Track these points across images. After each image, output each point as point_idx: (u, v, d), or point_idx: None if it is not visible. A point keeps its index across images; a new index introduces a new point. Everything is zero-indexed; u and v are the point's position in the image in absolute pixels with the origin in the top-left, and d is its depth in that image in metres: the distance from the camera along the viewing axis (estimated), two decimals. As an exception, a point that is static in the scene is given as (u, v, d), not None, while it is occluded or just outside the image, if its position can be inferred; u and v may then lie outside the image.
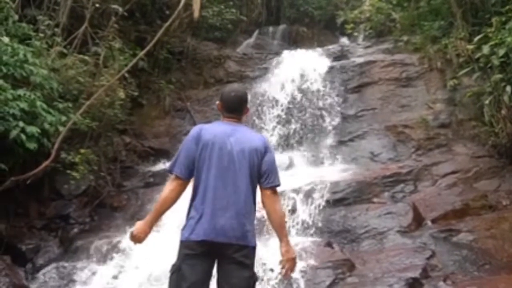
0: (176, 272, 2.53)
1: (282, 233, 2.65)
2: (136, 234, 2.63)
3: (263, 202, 2.67)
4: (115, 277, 4.99)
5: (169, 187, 2.63)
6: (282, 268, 2.62)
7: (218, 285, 2.54)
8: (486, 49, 5.99)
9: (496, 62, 5.86)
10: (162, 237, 5.26)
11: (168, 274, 2.59)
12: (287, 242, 2.63)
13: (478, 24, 6.92)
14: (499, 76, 5.88)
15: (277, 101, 7.81)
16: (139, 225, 2.65)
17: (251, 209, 2.61)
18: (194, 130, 2.71)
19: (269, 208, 2.63)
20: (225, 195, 2.54)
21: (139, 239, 2.64)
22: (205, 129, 2.68)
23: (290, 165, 6.65)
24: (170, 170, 2.67)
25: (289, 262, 2.61)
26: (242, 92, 2.80)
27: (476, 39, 6.34)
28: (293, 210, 5.57)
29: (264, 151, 2.66)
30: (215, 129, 2.67)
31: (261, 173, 2.66)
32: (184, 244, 2.55)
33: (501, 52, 5.78)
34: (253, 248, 2.59)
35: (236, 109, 2.73)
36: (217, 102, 2.81)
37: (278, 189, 2.70)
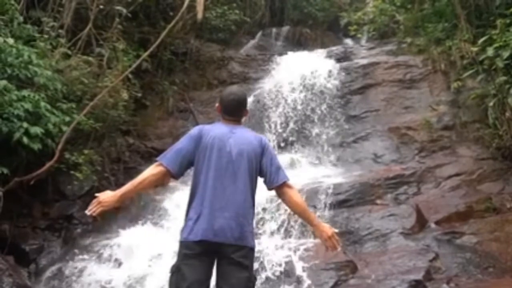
0: (176, 272, 2.53)
1: (308, 220, 2.68)
2: (102, 200, 2.50)
3: (282, 200, 2.71)
4: (117, 277, 4.99)
5: (151, 171, 2.61)
6: (327, 249, 2.66)
7: (217, 286, 2.55)
8: (490, 51, 5.98)
9: (500, 64, 5.85)
10: (164, 238, 5.28)
11: (169, 275, 2.59)
12: (317, 225, 2.65)
13: (482, 26, 6.90)
14: (504, 78, 5.87)
15: (280, 102, 7.81)
16: (107, 194, 2.54)
17: (250, 210, 2.62)
18: (195, 131, 2.72)
19: (287, 203, 2.69)
20: (224, 196, 2.54)
21: (102, 206, 2.51)
22: (205, 130, 2.69)
23: (292, 166, 6.65)
24: (157, 160, 2.65)
25: (328, 241, 2.62)
26: (240, 95, 2.79)
27: (480, 41, 6.33)
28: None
29: (262, 151, 2.67)
30: (215, 131, 2.68)
31: (263, 174, 2.68)
32: (183, 245, 2.56)
33: (506, 54, 5.77)
34: (251, 249, 2.59)
35: (235, 112, 2.75)
36: (216, 105, 2.82)
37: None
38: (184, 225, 2.60)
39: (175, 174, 2.63)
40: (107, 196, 2.54)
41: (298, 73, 8.11)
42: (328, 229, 2.64)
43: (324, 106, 7.67)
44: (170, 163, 2.61)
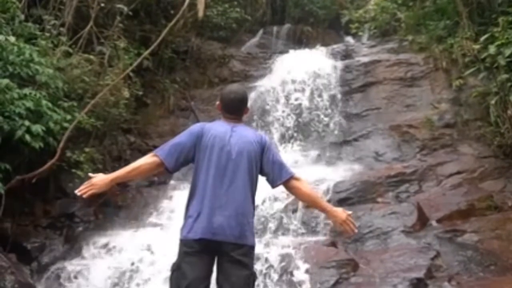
0: (176, 270, 2.54)
1: (321, 208, 2.71)
2: (94, 182, 2.55)
3: (292, 194, 2.74)
4: (119, 275, 5.00)
5: (146, 160, 2.63)
6: (344, 233, 2.71)
7: (218, 283, 2.55)
8: (492, 49, 5.96)
9: (502, 62, 5.83)
10: (165, 237, 5.29)
11: (169, 273, 2.60)
12: (331, 211, 2.66)
13: (485, 23, 6.88)
14: (505, 76, 5.85)
15: (281, 100, 7.80)
16: (100, 177, 2.58)
17: (249, 209, 2.62)
18: (196, 128, 2.72)
19: (297, 196, 2.73)
20: (224, 194, 2.54)
21: (93, 188, 2.55)
22: (206, 128, 2.69)
23: (293, 165, 6.64)
24: (154, 151, 2.66)
25: (344, 225, 2.63)
26: (241, 93, 2.79)
27: (482, 38, 6.31)
28: (296, 210, 5.57)
29: (262, 150, 2.67)
30: (216, 129, 2.68)
31: (265, 173, 2.67)
32: (183, 243, 2.56)
33: (508, 52, 5.75)
34: (251, 247, 2.59)
35: (235, 110, 2.75)
36: (217, 103, 2.81)
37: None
38: (184, 223, 2.60)
39: (170, 168, 2.63)
40: (99, 179, 2.58)
41: (299, 71, 8.04)
42: (342, 213, 2.64)
43: (325, 104, 7.65)
44: (166, 157, 2.61)
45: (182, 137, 2.68)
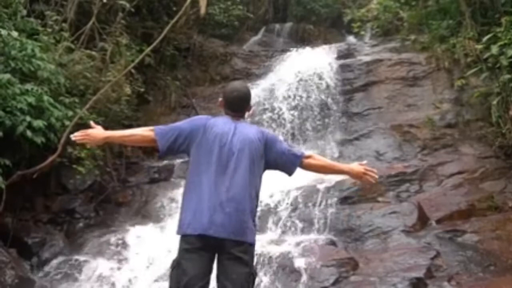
0: (176, 267, 2.53)
1: (339, 171, 2.90)
2: (90, 133, 2.63)
3: (310, 171, 2.82)
4: (118, 272, 5.01)
5: (142, 132, 2.70)
6: (369, 183, 2.81)
7: (218, 280, 2.54)
8: (494, 49, 5.94)
9: (504, 62, 5.81)
10: (164, 235, 5.30)
11: (169, 270, 2.59)
12: (349, 170, 2.77)
13: (487, 23, 6.86)
14: (508, 76, 5.83)
15: (282, 99, 7.80)
16: (99, 130, 2.65)
17: (250, 206, 2.60)
18: (200, 121, 2.71)
19: (315, 172, 2.84)
20: (225, 191, 2.53)
21: (88, 139, 2.64)
22: (209, 124, 2.67)
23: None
24: (154, 127, 2.71)
25: (366, 177, 2.75)
26: (244, 91, 2.77)
27: (484, 39, 6.28)
28: (297, 208, 5.57)
29: (265, 146, 2.67)
30: (218, 126, 2.66)
31: (279, 165, 2.69)
32: (183, 239, 2.55)
33: (510, 52, 5.73)
34: (251, 245, 2.58)
35: (238, 108, 2.74)
36: (220, 99, 2.80)
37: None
38: (183, 220, 2.57)
39: (160, 149, 2.65)
40: (95, 132, 2.66)
41: (300, 70, 8.02)
42: (359, 166, 2.77)
43: (326, 103, 7.64)
44: (162, 137, 2.64)
45: (184, 124, 2.70)
